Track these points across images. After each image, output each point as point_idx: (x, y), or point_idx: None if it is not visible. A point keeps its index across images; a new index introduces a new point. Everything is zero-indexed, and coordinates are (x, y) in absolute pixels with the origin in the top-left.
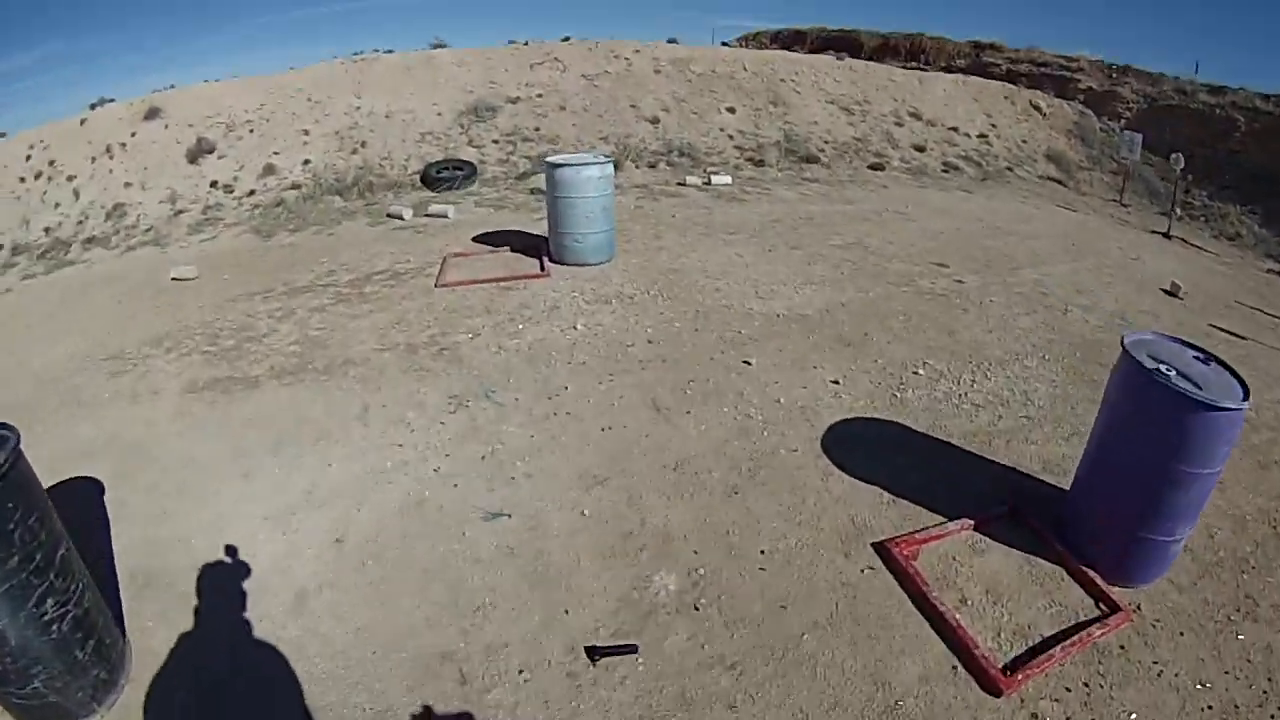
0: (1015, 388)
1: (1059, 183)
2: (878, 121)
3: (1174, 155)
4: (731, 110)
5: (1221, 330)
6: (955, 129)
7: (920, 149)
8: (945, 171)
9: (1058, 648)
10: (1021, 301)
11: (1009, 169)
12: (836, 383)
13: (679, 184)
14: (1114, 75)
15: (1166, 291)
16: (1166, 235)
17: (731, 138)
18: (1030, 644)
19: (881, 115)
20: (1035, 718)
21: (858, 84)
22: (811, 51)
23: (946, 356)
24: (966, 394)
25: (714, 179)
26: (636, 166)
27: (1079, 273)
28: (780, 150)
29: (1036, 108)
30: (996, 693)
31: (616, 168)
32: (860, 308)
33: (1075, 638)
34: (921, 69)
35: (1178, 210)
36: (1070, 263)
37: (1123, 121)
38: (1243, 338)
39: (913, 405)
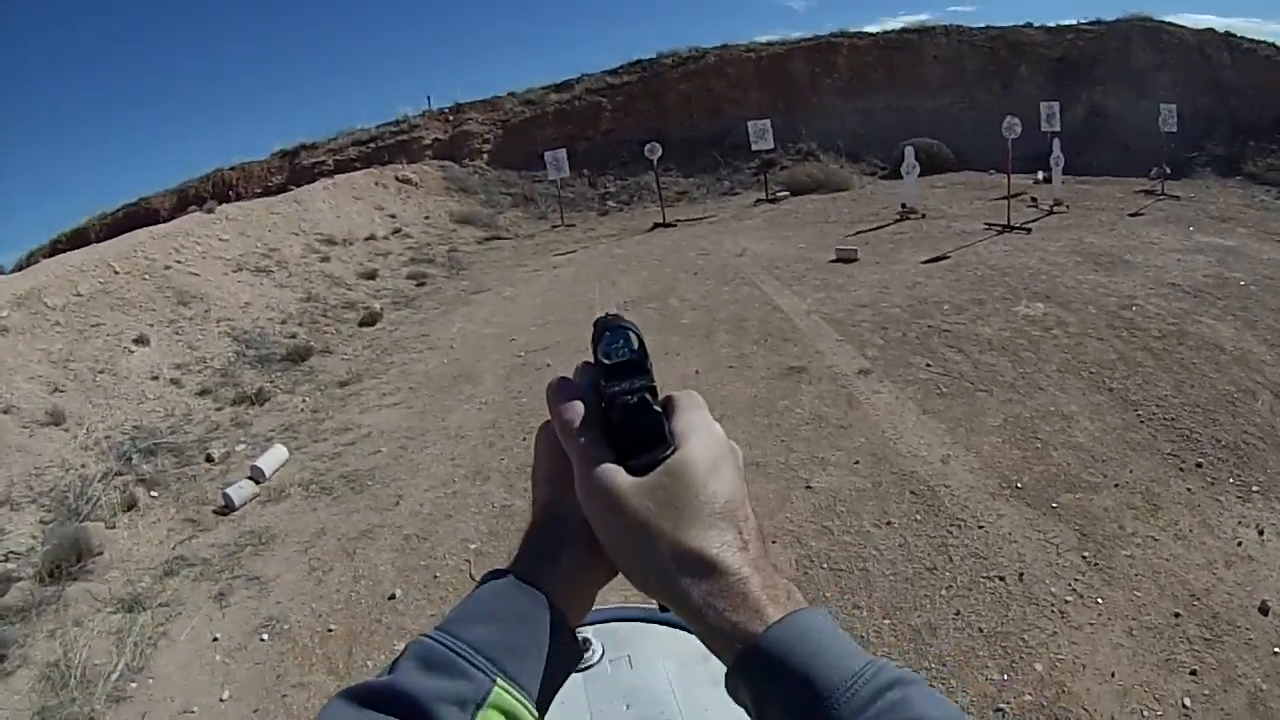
0: None
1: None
2: (301, 266)
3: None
4: (144, 342)
5: None
6: (373, 236)
7: (371, 276)
8: (419, 284)
9: None
10: None
11: (450, 250)
12: None
13: None
14: (451, 117)
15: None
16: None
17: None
18: None
19: (302, 258)
20: None
21: (249, 233)
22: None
23: None
24: None
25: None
26: None
27: None
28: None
29: (406, 180)
30: None
31: None
32: None
33: None
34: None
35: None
36: None
37: (484, 156)
38: None
39: None
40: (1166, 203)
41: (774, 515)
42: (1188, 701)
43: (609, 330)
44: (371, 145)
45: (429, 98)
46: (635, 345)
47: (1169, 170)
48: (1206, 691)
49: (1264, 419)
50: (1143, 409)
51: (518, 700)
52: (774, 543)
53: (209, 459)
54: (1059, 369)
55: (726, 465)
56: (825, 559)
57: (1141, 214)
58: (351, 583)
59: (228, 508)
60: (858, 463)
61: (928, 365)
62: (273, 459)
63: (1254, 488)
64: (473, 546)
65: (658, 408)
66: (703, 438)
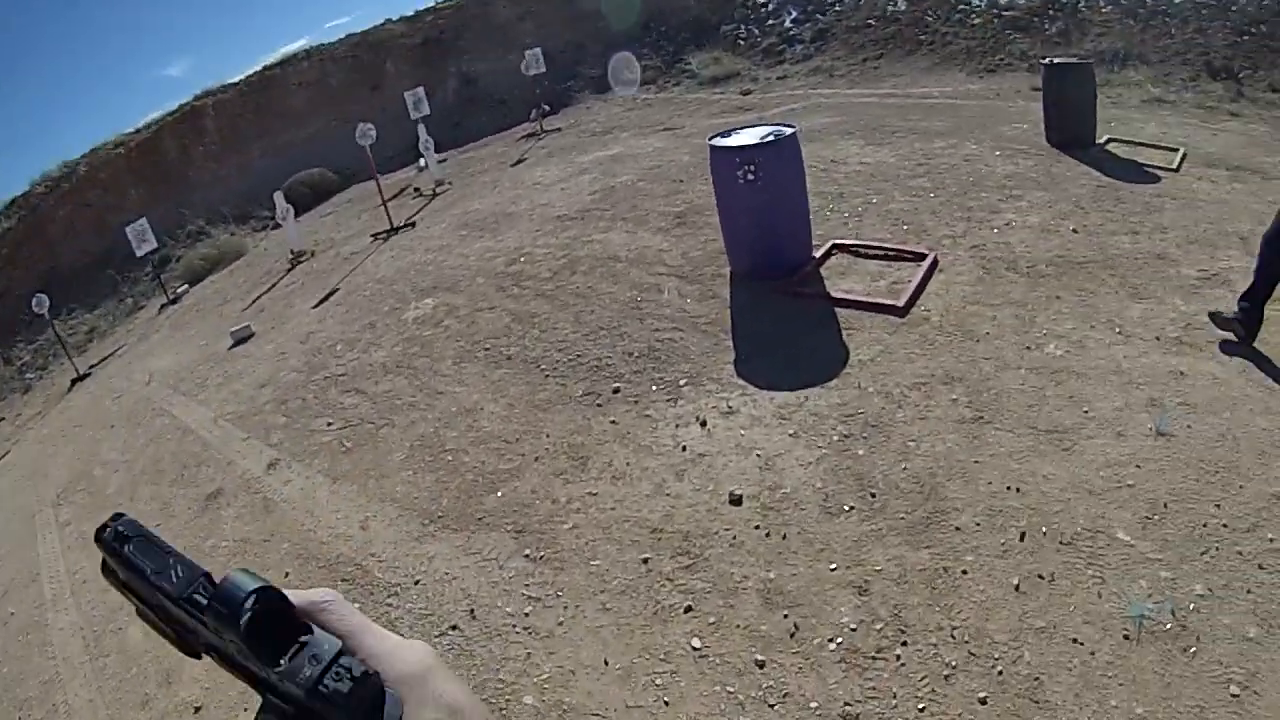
0: None
1: None
2: None
3: None
4: None
5: None
6: None
7: None
8: None
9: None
10: None
11: None
12: None
13: None
14: None
15: None
16: None
17: None
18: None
19: None
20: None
21: None
22: None
23: None
24: None
25: None
26: None
27: None
28: None
29: None
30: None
31: None
32: None
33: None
34: None
35: None
36: None
37: None
38: None
39: None
40: (549, 139)
41: None
42: (696, 642)
43: (236, 595)
44: None
45: None
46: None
47: (548, 108)
48: (711, 619)
49: (673, 306)
50: (545, 362)
51: None
52: None
53: None
54: (455, 361)
55: None
56: None
57: (525, 159)
58: None
59: None
60: (288, 574)
61: (329, 424)
62: None
63: (681, 381)
64: None
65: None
66: None
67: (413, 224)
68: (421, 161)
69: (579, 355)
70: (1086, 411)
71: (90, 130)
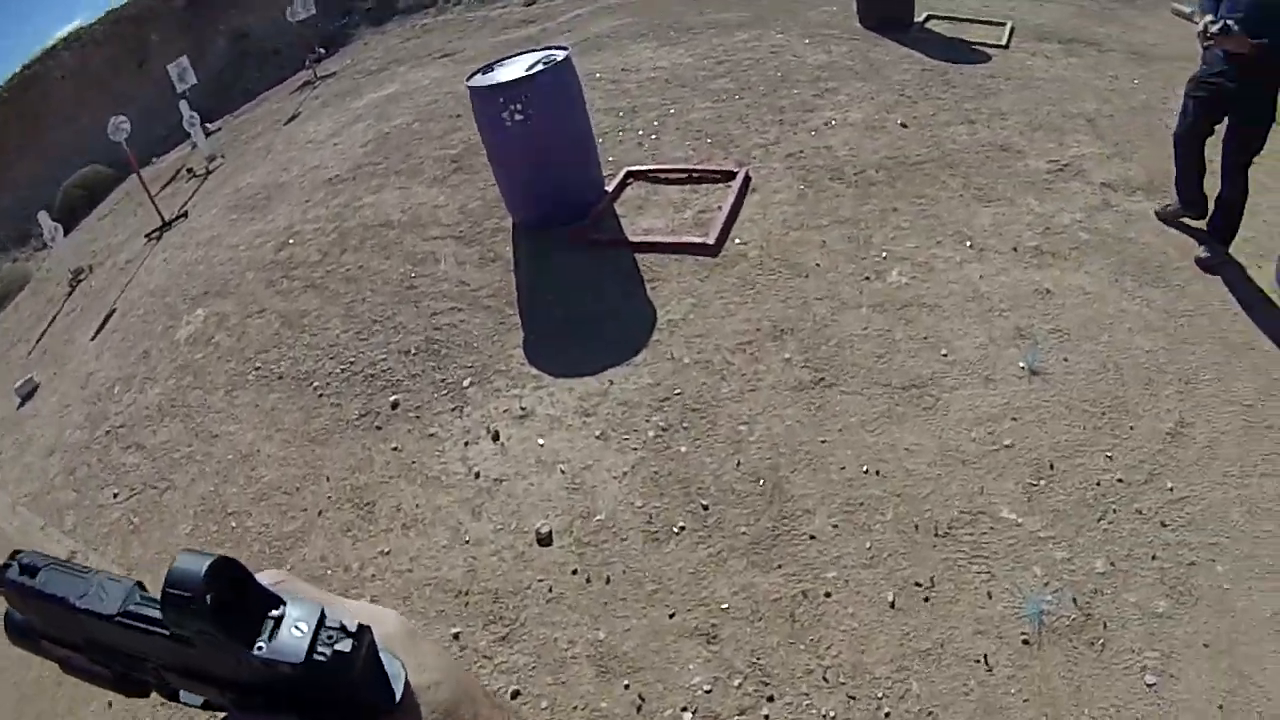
0: None
1: None
2: None
3: None
4: None
5: None
6: None
7: None
8: None
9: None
10: None
11: None
12: None
13: None
14: None
15: None
16: None
17: None
18: None
19: None
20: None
21: None
22: None
23: None
24: None
25: None
26: None
27: None
28: None
29: None
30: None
31: None
32: None
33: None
34: None
35: None
36: None
37: None
38: None
39: None
40: (324, 85)
41: None
42: None
43: (192, 571)
44: None
45: None
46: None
47: (323, 51)
48: (544, 704)
49: (451, 278)
50: (317, 377)
51: None
52: None
53: None
54: (227, 390)
55: None
56: None
57: (299, 113)
58: None
59: None
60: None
61: (115, 496)
62: None
63: (466, 381)
64: None
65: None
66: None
67: (184, 214)
68: (191, 143)
69: (351, 362)
70: (946, 355)
71: None
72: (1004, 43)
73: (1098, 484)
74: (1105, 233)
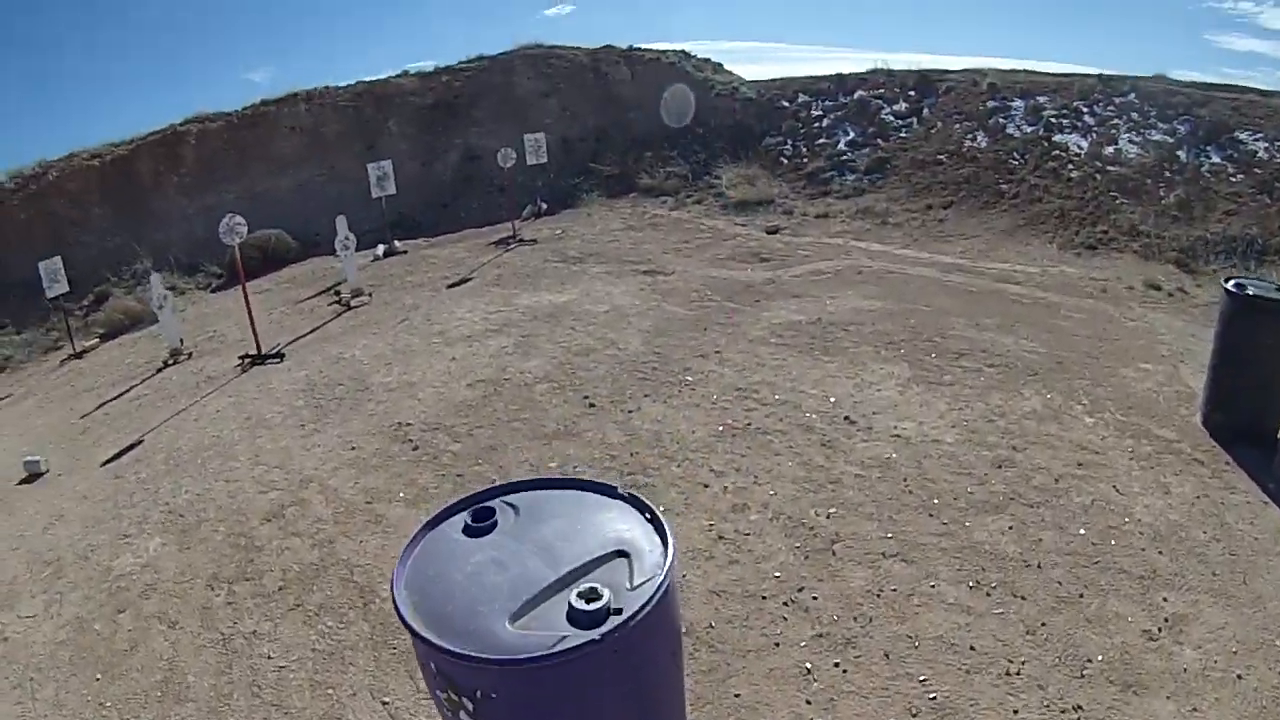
0: None
1: None
2: None
3: None
4: None
5: None
6: None
7: None
8: None
9: None
10: None
11: None
12: None
13: None
14: None
15: None
16: None
17: None
18: None
19: None
20: None
21: None
22: None
23: None
24: None
25: None
26: None
27: None
28: None
29: None
30: None
31: None
32: None
33: None
34: None
35: None
36: None
37: None
38: None
39: None
40: (514, 254)
41: None
42: None
43: None
44: None
45: None
46: None
47: (545, 205)
48: None
49: None
50: None
51: None
52: None
53: None
54: None
55: None
56: None
57: (469, 279)
58: None
59: None
60: None
61: None
62: None
63: None
64: None
65: None
66: None
67: (280, 355)
68: (381, 249)
69: None
70: None
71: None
72: None
73: None
74: None
